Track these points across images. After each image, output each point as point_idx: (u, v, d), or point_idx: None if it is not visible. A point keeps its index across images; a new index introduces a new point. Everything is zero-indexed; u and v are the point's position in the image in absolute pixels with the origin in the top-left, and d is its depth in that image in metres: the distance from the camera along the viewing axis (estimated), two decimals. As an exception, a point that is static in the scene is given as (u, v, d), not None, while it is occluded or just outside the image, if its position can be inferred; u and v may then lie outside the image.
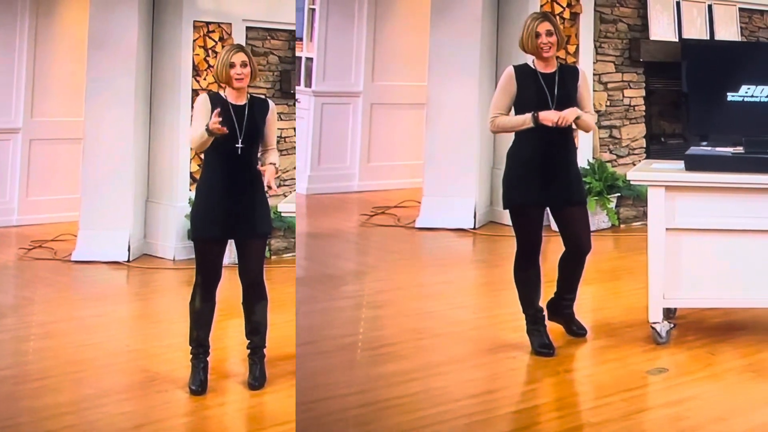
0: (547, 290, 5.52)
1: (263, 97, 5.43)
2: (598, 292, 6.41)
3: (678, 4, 8.64)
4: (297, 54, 8.85)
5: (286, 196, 7.33)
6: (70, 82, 8.78)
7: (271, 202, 5.23)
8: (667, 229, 5.42)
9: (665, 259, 5.42)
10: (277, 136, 5.47)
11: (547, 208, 5.42)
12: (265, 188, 5.07)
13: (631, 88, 8.46)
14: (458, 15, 8.17)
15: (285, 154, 7.96)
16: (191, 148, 7.04)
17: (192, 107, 5.85)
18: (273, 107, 5.20)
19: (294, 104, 8.28)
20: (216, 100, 5.03)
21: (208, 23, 7.92)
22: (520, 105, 5.32)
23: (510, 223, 5.45)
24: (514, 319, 5.58)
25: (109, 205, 7.79)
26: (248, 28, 8.10)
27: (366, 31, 9.46)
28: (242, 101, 5.08)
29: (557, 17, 7.87)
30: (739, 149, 5.45)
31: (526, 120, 5.26)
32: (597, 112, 7.82)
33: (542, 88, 5.29)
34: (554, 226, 5.60)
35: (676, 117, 8.57)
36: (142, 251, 7.88)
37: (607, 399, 4.81)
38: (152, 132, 7.96)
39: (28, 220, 8.76)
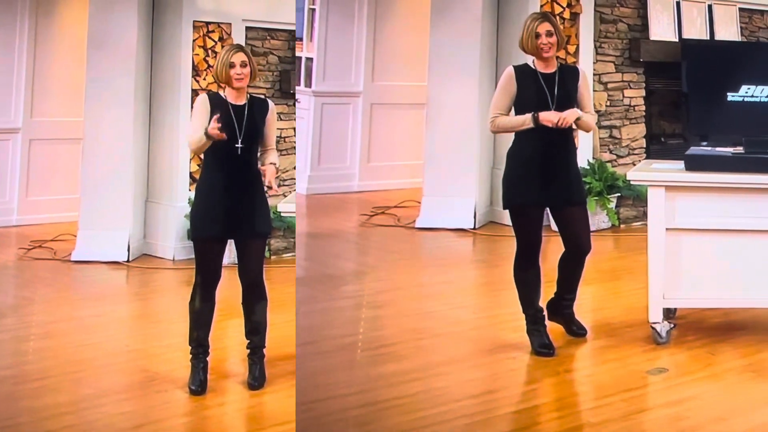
0: (547, 290, 5.52)
1: (263, 97, 5.42)
2: (598, 292, 6.41)
3: (678, 4, 8.63)
4: (297, 54, 8.84)
5: (285, 196, 7.32)
6: (69, 82, 8.78)
7: (271, 202, 5.22)
8: (667, 229, 5.42)
9: (665, 259, 5.42)
10: (277, 136, 5.47)
11: (547, 208, 5.42)
12: (266, 188, 5.07)
13: (631, 88, 8.45)
14: (458, 15, 8.16)
15: (285, 154, 7.96)
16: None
17: (192, 107, 5.84)
18: (273, 107, 5.20)
19: (294, 104, 8.27)
20: (216, 100, 5.03)
21: (207, 23, 7.91)
22: (520, 105, 5.32)
23: (510, 223, 5.44)
24: (514, 319, 5.58)
25: (108, 205, 7.79)
26: (248, 28, 8.09)
27: (366, 31, 9.46)
28: (242, 101, 5.07)
29: (557, 17, 7.87)
30: (739, 149, 5.45)
31: (526, 120, 5.25)
32: (597, 112, 7.82)
33: (542, 88, 5.29)
34: (554, 226, 5.60)
35: (676, 117, 8.56)
36: (142, 251, 7.88)
37: (607, 399, 4.80)
38: (152, 132, 7.96)
39: (28, 220, 8.76)
